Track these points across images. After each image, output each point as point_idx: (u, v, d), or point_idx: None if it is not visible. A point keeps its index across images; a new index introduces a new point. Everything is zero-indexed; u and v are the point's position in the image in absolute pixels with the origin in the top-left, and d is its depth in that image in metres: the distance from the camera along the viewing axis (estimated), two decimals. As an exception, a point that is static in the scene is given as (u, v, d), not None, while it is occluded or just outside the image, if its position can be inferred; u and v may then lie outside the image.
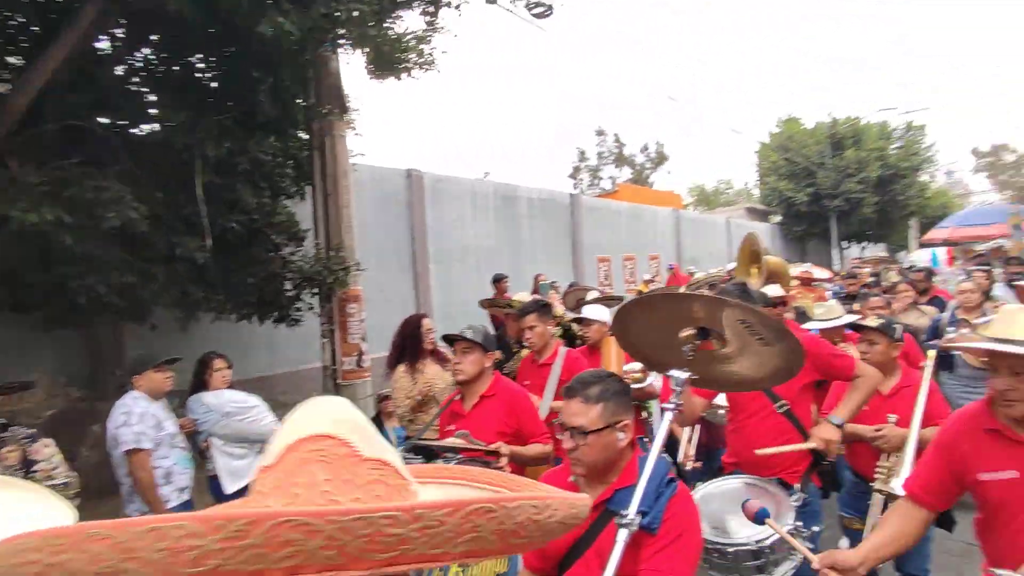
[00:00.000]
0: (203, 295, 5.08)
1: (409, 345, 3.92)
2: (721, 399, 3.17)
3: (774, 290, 3.96)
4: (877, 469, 2.84)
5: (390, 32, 5.95)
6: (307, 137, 6.06)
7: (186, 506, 3.40)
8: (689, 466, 3.60)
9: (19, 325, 5.00)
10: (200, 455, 3.66)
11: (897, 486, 2.60)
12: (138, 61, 5.23)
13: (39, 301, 4.53)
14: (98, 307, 4.40)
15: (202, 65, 5.32)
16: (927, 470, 1.94)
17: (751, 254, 4.41)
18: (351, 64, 6.75)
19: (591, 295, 6.12)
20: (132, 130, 5.13)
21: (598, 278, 13.37)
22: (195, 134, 4.55)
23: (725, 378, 1.95)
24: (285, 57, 4.85)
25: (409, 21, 6.21)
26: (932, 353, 3.27)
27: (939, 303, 5.93)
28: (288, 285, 5.83)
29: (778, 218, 26.77)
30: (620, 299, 6.20)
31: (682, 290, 5.13)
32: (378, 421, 4.87)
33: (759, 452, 2.58)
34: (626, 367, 3.40)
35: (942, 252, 12.32)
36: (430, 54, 6.32)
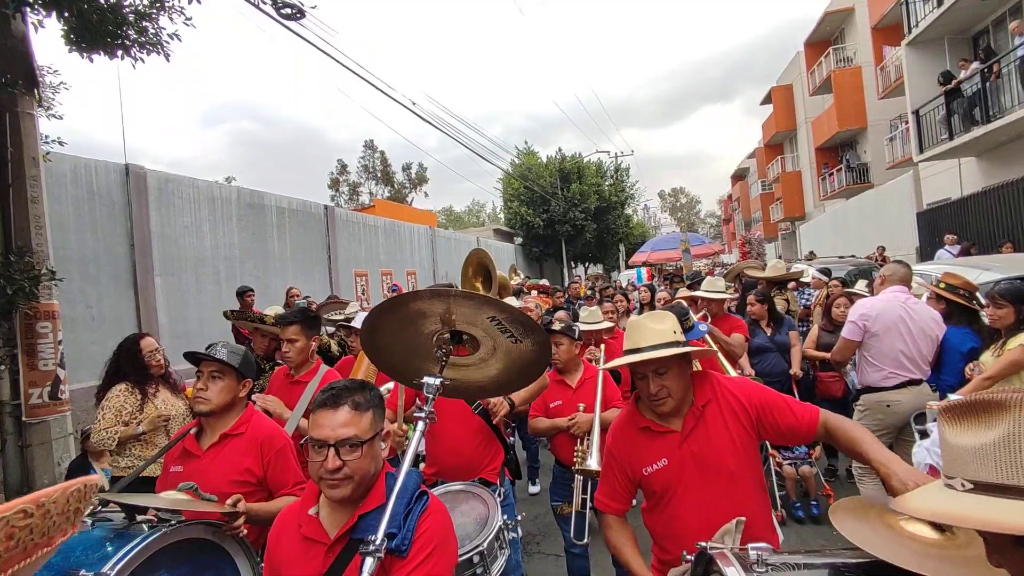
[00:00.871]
0: None
1: (128, 371, 3.39)
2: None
3: (511, 302, 4.37)
4: (575, 453, 3.14)
5: (98, -2, 5.00)
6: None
7: None
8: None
9: None
10: None
11: (592, 463, 2.96)
12: None
13: None
14: None
15: None
16: (607, 483, 2.08)
17: (476, 265, 4.58)
18: (50, 32, 5.46)
19: (351, 308, 6.01)
20: None
21: (355, 292, 13.09)
22: None
23: (481, 381, 1.91)
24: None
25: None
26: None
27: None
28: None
29: (520, 239, 29.73)
30: None
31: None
32: (83, 462, 4.01)
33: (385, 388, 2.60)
34: (384, 388, 3.21)
35: (644, 271, 15.20)
36: (155, 34, 5.48)
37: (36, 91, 5.21)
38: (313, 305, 6.84)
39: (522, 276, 10.16)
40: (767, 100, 33.18)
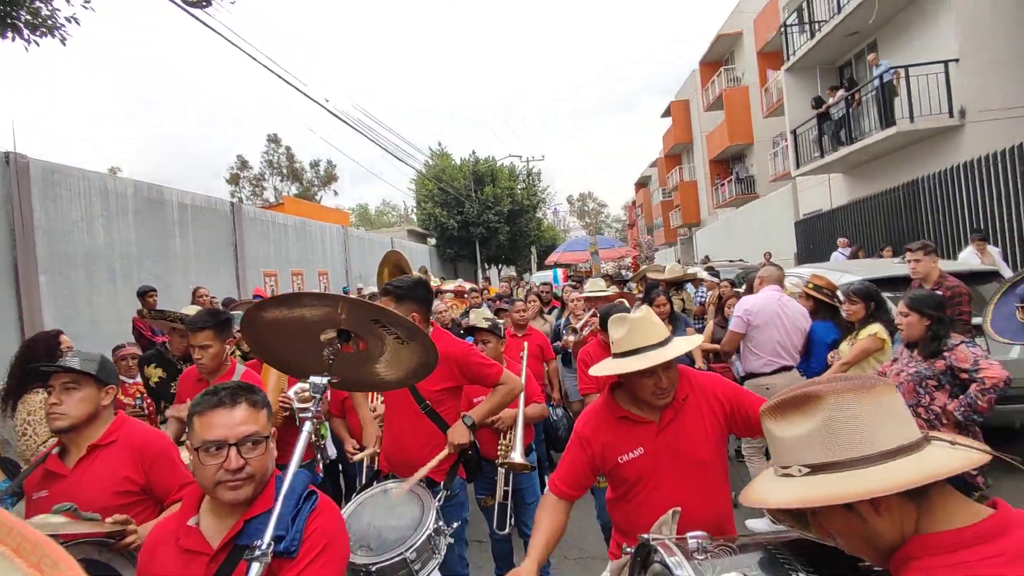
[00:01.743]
0: None
1: (40, 373, 3.15)
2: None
3: None
4: (499, 447, 3.27)
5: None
6: None
7: None
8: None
9: None
10: None
11: (517, 457, 3.06)
12: None
13: None
14: None
15: None
16: (569, 467, 2.04)
17: (392, 266, 4.49)
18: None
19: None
20: None
21: (265, 293, 12.62)
22: None
23: (371, 379, 1.92)
24: None
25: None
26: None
27: (560, 312, 7.68)
28: None
29: (434, 241, 29.70)
30: None
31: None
32: None
33: (414, 480, 2.50)
34: (299, 385, 3.09)
35: (559, 272, 15.80)
36: (49, 17, 5.15)
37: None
38: (215, 302, 6.63)
39: (437, 279, 10.25)
40: (667, 113, 35.37)
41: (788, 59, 16.82)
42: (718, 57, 27.62)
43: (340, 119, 12.82)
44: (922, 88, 11.54)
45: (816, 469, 1.03)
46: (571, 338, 5.33)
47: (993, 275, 5.58)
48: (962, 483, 2.75)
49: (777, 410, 1.13)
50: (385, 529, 2.32)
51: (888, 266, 5.88)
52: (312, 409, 1.59)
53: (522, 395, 3.30)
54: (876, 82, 12.08)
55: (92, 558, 1.78)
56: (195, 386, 3.07)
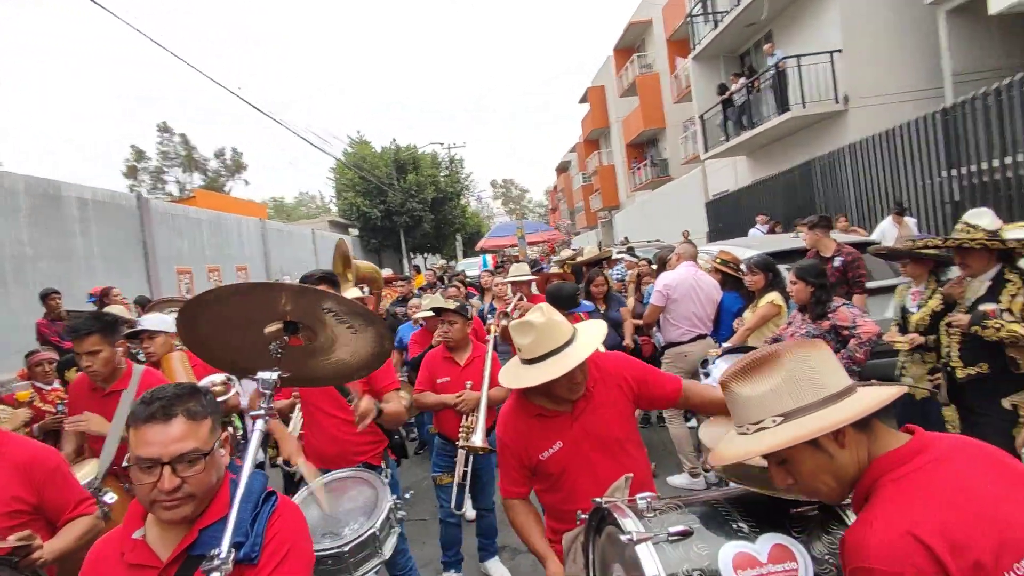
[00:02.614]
0: None
1: None
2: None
3: (355, 292, 4.15)
4: (460, 429, 3.33)
5: None
6: None
7: None
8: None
9: None
10: None
11: (477, 440, 3.13)
12: None
13: None
14: None
15: None
16: (507, 472, 2.11)
17: (343, 258, 4.47)
18: None
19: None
20: None
21: (179, 291, 12.00)
22: None
23: (322, 372, 1.84)
24: None
25: None
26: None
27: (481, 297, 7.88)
28: None
29: (357, 231, 29.04)
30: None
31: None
32: None
33: (361, 427, 2.57)
34: (207, 379, 2.96)
35: (489, 257, 16.01)
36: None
37: None
38: (127, 304, 6.33)
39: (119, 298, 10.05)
40: (584, 99, 36.20)
41: (694, 48, 17.75)
42: (630, 44, 28.55)
43: (254, 107, 12.31)
44: (812, 76, 12.59)
45: (788, 416, 1.19)
46: (504, 322, 5.47)
47: (873, 243, 6.30)
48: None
49: (742, 374, 1.28)
50: (343, 514, 2.40)
51: (786, 240, 6.50)
52: (263, 407, 1.50)
53: (486, 377, 3.36)
54: (772, 70, 13.05)
55: None
56: (90, 396, 2.87)
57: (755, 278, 4.38)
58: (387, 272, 10.69)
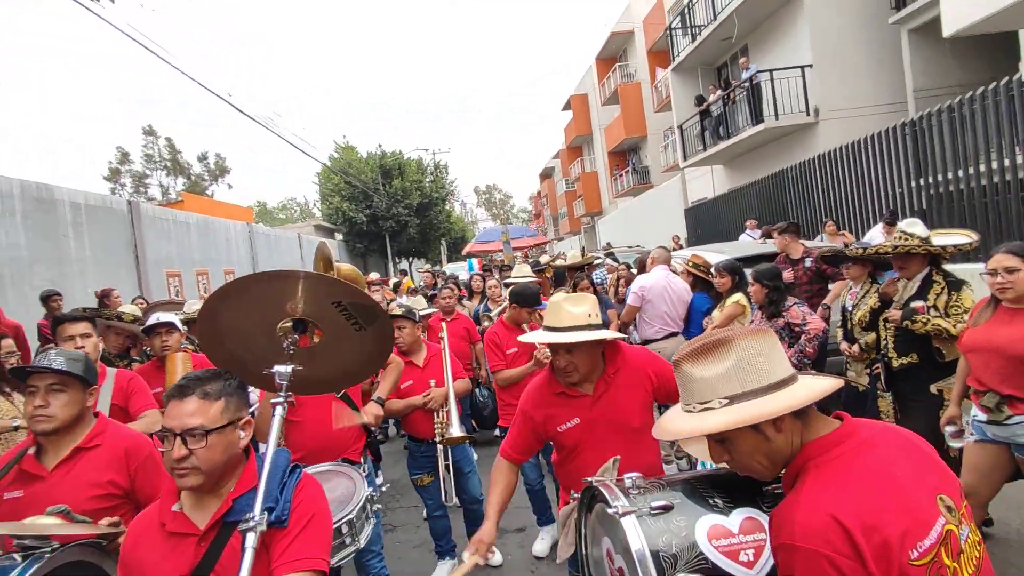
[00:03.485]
0: None
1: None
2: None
3: None
4: (435, 426, 3.45)
5: None
6: None
7: None
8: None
9: None
10: None
11: (455, 431, 3.26)
12: None
13: None
14: None
15: None
16: (517, 435, 2.30)
17: (325, 261, 4.73)
18: None
19: (194, 306, 5.94)
20: None
21: (168, 294, 12.15)
22: None
23: (328, 374, 1.91)
24: None
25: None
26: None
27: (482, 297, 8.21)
28: None
29: (342, 235, 29.18)
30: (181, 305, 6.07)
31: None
32: None
33: (338, 426, 2.76)
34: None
35: (475, 261, 16.36)
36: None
37: None
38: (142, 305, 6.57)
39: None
40: (567, 106, 36.77)
41: (673, 59, 18.33)
42: (612, 54, 29.14)
43: (243, 113, 12.54)
44: (784, 89, 13.17)
45: (734, 399, 1.27)
46: (486, 324, 5.77)
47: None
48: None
49: (695, 355, 1.35)
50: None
51: (755, 246, 6.96)
52: (282, 396, 1.65)
53: (448, 373, 3.55)
54: (747, 84, 13.61)
55: (86, 560, 1.81)
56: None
57: (722, 280, 4.79)
58: (374, 275, 11.03)
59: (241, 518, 1.42)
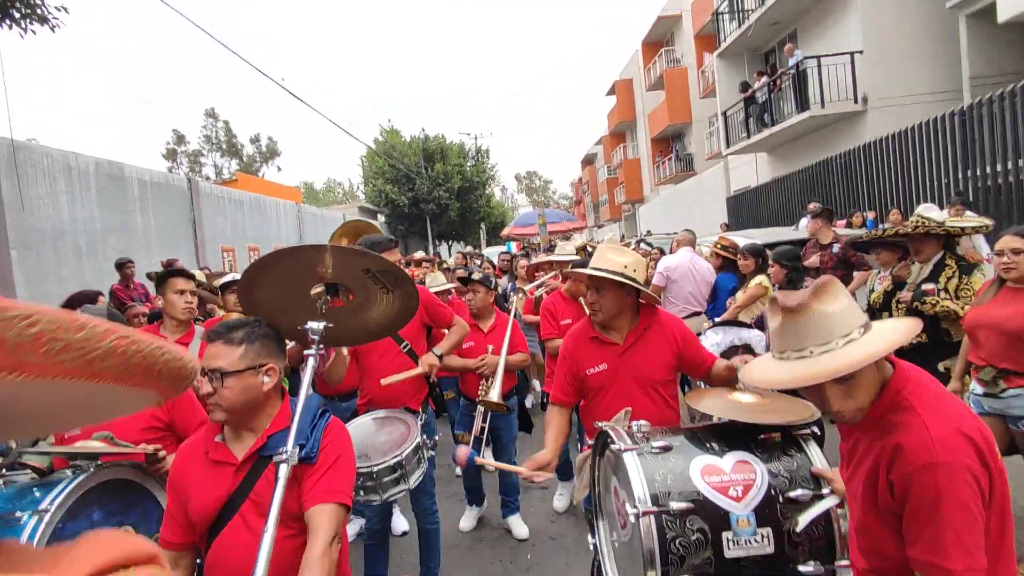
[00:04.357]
0: None
1: None
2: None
3: None
4: (480, 388, 3.71)
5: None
6: None
7: None
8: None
9: None
10: None
11: (494, 396, 3.39)
12: None
13: None
14: None
15: None
16: (561, 379, 2.47)
17: (352, 235, 4.73)
18: None
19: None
20: None
21: (223, 268, 12.92)
22: None
23: (361, 329, 2.07)
24: None
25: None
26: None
27: (511, 276, 8.57)
28: None
29: (384, 217, 29.92)
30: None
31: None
32: None
33: (384, 382, 2.88)
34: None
35: (513, 244, 16.71)
36: (39, 5, 5.48)
37: None
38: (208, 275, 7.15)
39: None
40: (611, 92, 36.40)
41: (720, 44, 18.03)
42: (659, 38, 28.67)
43: (296, 97, 13.11)
44: (832, 76, 12.90)
45: (865, 327, 1.32)
46: (515, 298, 5.96)
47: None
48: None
49: (818, 295, 1.36)
50: (376, 444, 2.71)
51: (784, 233, 7.03)
52: (314, 349, 1.76)
53: (506, 343, 3.66)
54: (793, 70, 13.37)
55: (130, 478, 2.04)
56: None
57: (747, 262, 4.96)
58: (419, 254, 11.48)
59: (274, 452, 1.55)
